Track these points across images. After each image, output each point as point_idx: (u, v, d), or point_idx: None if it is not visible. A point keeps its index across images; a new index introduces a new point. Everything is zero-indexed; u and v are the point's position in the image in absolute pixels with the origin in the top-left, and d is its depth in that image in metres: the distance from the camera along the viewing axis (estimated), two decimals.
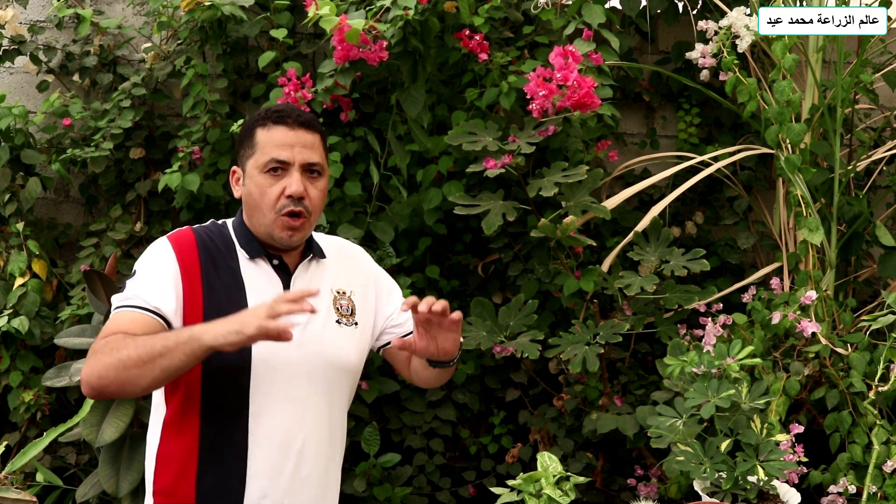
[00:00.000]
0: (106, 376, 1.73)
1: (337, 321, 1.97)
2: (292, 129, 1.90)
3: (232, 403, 1.86)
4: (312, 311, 1.71)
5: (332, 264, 2.03)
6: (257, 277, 1.92)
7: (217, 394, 1.86)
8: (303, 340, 1.89)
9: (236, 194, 1.98)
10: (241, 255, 1.94)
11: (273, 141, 1.89)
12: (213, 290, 1.87)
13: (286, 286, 1.94)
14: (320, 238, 2.07)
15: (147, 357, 1.70)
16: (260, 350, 1.84)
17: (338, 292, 2.00)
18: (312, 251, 2.00)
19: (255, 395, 1.86)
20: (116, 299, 1.88)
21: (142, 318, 1.81)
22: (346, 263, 2.06)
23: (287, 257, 1.96)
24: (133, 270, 1.92)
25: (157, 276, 1.86)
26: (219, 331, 1.68)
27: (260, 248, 1.93)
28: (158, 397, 1.91)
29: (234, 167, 1.99)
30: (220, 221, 2.02)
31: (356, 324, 2.00)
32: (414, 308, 1.84)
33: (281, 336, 1.66)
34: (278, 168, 1.89)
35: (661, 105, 3.50)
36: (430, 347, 1.91)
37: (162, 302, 1.83)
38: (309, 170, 1.91)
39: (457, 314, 1.87)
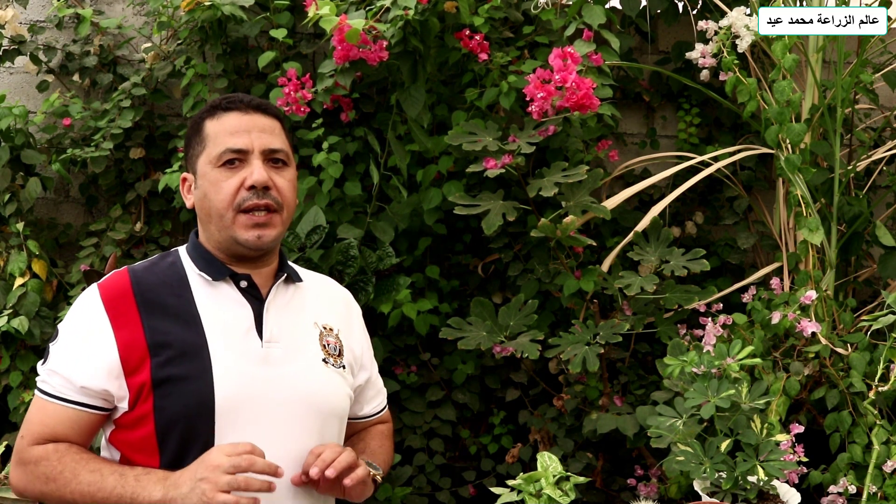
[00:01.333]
0: (35, 497, 1.59)
1: (324, 360, 1.69)
2: (246, 114, 1.65)
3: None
4: (270, 490, 1.47)
5: (313, 294, 1.77)
6: (218, 306, 1.63)
7: (177, 455, 1.56)
8: (282, 380, 1.62)
9: (188, 204, 1.70)
10: (198, 281, 1.65)
11: (225, 129, 1.63)
12: (160, 333, 1.58)
13: (258, 315, 1.64)
14: (301, 270, 1.82)
15: (93, 501, 1.52)
16: (225, 393, 1.56)
17: (324, 328, 1.73)
18: (285, 270, 1.72)
19: None
20: (42, 374, 1.63)
21: (70, 417, 1.58)
22: (334, 301, 1.81)
23: (257, 277, 1.67)
24: (57, 331, 1.65)
25: (81, 342, 1.59)
26: (185, 500, 1.46)
27: (223, 268, 1.65)
28: (105, 447, 1.66)
29: (184, 174, 1.70)
30: (172, 249, 1.75)
31: (343, 366, 1.72)
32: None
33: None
34: (235, 159, 1.62)
35: (661, 105, 3.50)
36: (333, 491, 1.64)
37: (85, 379, 1.57)
38: (272, 158, 1.65)
39: (355, 476, 1.57)
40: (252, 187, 1.61)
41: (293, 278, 1.74)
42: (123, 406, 1.59)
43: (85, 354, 1.59)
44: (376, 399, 1.90)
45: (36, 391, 1.64)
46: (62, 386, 1.60)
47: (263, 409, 1.60)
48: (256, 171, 1.61)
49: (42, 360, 1.65)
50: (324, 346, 1.71)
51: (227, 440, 1.56)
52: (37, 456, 1.58)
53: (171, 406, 1.56)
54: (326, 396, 1.68)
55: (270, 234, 1.64)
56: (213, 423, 1.56)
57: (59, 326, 1.65)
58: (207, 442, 1.56)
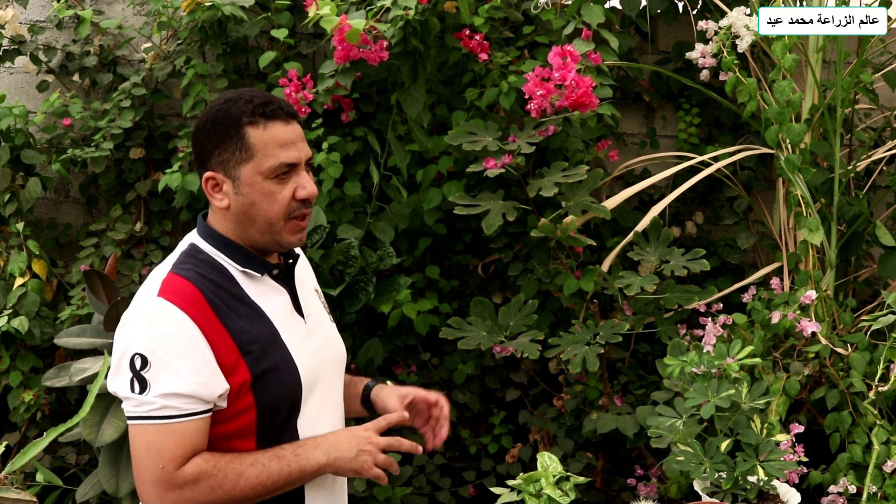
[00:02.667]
0: None
1: (330, 319, 1.93)
2: (288, 123, 1.73)
3: (286, 435, 1.75)
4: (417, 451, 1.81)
5: (301, 264, 1.91)
6: (267, 297, 1.77)
7: (271, 429, 1.73)
8: (324, 348, 1.84)
9: (220, 204, 1.73)
10: (242, 277, 1.75)
11: (275, 141, 1.70)
12: (242, 332, 1.69)
13: (293, 296, 1.82)
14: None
15: (267, 491, 1.67)
16: (305, 373, 1.76)
17: (316, 290, 1.93)
18: (295, 256, 1.87)
19: (302, 420, 1.77)
20: (143, 404, 1.62)
21: (201, 427, 1.65)
22: (307, 264, 1.97)
23: (274, 261, 1.83)
24: (142, 358, 1.62)
25: (193, 359, 1.63)
26: (348, 471, 1.73)
27: (264, 262, 1.78)
28: None
29: (211, 174, 1.73)
30: (189, 249, 1.77)
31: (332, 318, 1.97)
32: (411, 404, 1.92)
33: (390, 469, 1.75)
34: (286, 172, 1.72)
35: (661, 105, 3.50)
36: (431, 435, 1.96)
37: (213, 389, 1.64)
38: (308, 164, 1.77)
39: (445, 408, 1.93)
40: (304, 199, 1.74)
41: (296, 260, 1.88)
42: (222, 405, 1.68)
43: (199, 368, 1.64)
44: None
45: (147, 422, 1.63)
46: (189, 404, 1.63)
47: (322, 375, 1.81)
48: (309, 185, 1.74)
49: (137, 390, 1.63)
50: (323, 305, 1.92)
51: (309, 410, 1.77)
52: (192, 475, 1.64)
53: (271, 396, 1.70)
54: (341, 348, 1.92)
55: (305, 235, 1.81)
56: (301, 401, 1.75)
57: (144, 350, 1.63)
58: (294, 418, 1.75)
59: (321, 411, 1.81)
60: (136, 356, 1.63)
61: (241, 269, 1.75)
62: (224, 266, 1.75)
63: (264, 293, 1.76)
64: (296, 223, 1.75)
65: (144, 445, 1.64)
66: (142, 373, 1.63)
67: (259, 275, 1.76)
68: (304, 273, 1.92)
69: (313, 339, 1.82)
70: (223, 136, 1.71)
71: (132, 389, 1.63)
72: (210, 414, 1.67)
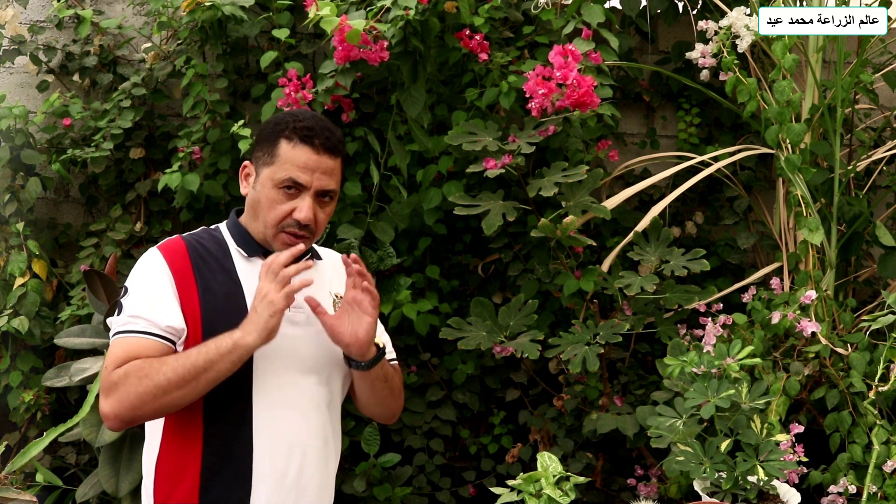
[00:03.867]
0: (142, 406, 1.75)
1: None
2: (316, 153, 1.87)
3: (235, 406, 1.84)
4: (307, 267, 1.79)
5: (327, 268, 2.03)
6: (254, 276, 1.89)
7: (219, 397, 1.82)
8: (303, 339, 1.90)
9: (243, 190, 1.95)
10: (237, 255, 1.93)
11: (295, 160, 1.86)
12: (210, 292, 1.86)
13: None
14: (321, 249, 2.08)
15: (190, 376, 1.73)
16: (260, 350, 1.83)
17: (336, 295, 1.99)
18: (310, 251, 1.99)
19: (257, 396, 1.85)
20: (117, 323, 1.85)
21: (153, 346, 1.80)
22: (340, 272, 2.04)
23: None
24: (125, 288, 1.88)
25: (155, 292, 1.84)
26: (259, 330, 1.74)
27: (257, 247, 1.93)
28: None
29: (247, 162, 1.96)
30: (212, 227, 2.01)
31: None
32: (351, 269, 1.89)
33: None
34: (293, 188, 1.87)
35: (661, 105, 3.50)
36: (341, 326, 1.87)
37: (169, 320, 1.82)
38: (322, 194, 1.90)
39: (369, 295, 1.87)
40: (297, 220, 1.87)
41: (315, 257, 2.01)
42: (180, 348, 1.83)
43: (160, 301, 1.83)
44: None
45: (115, 337, 1.83)
46: (147, 326, 1.81)
47: (290, 361, 1.88)
48: (305, 210, 1.86)
49: (116, 314, 1.86)
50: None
51: (262, 387, 1.85)
52: (124, 370, 1.76)
53: None
54: (337, 352, 1.93)
55: (301, 251, 1.89)
56: (252, 372, 1.84)
57: (128, 284, 1.88)
58: (246, 388, 1.84)
59: (286, 399, 1.87)
60: (123, 288, 1.89)
61: (236, 247, 1.93)
62: (226, 241, 1.94)
63: (252, 273, 1.90)
64: (288, 237, 1.88)
65: (106, 358, 1.83)
66: (121, 300, 1.87)
67: (246, 255, 1.92)
68: (325, 276, 2.00)
69: (294, 329, 1.89)
70: (266, 137, 1.91)
71: (115, 314, 1.87)
72: (165, 343, 1.81)
